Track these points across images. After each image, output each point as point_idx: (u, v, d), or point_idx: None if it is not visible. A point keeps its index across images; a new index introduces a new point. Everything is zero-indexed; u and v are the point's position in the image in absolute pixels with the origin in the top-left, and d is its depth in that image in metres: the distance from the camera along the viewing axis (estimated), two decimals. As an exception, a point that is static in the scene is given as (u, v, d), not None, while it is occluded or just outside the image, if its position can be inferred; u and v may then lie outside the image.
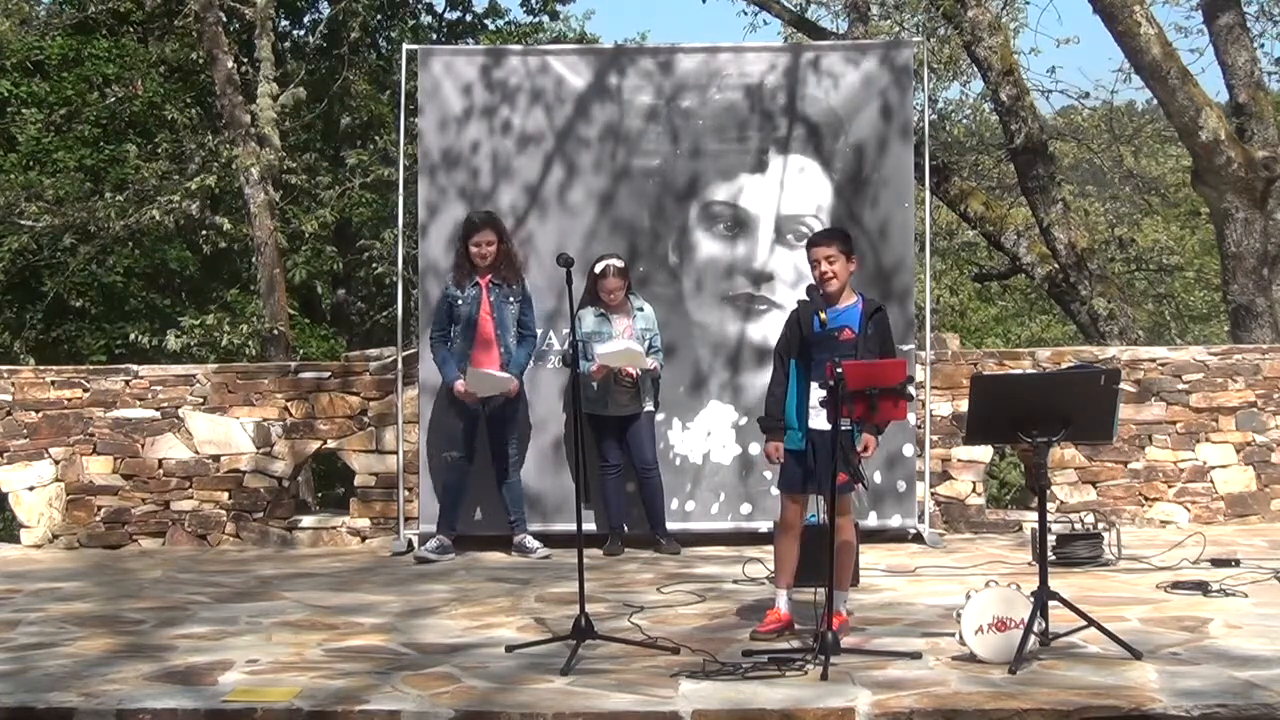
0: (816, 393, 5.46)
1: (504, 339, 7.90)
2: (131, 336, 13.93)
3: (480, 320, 7.89)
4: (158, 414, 8.77)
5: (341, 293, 16.96)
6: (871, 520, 8.19)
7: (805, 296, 5.71)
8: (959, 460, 8.73)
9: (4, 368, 9.46)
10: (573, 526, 6.14)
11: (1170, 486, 8.82)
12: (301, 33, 17.71)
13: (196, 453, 8.75)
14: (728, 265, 8.39)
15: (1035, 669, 4.96)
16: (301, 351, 13.90)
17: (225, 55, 12.18)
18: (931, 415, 8.59)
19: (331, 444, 8.78)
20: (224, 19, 12.53)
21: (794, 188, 8.40)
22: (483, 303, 7.89)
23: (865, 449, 5.53)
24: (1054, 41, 18.27)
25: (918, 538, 8.29)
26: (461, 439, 7.97)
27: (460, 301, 7.89)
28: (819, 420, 5.51)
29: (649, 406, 8.09)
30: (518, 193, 8.37)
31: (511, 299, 7.95)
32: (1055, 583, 5.37)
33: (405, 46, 9.09)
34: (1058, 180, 12.48)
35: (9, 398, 8.82)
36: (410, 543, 8.26)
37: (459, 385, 7.82)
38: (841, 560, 5.53)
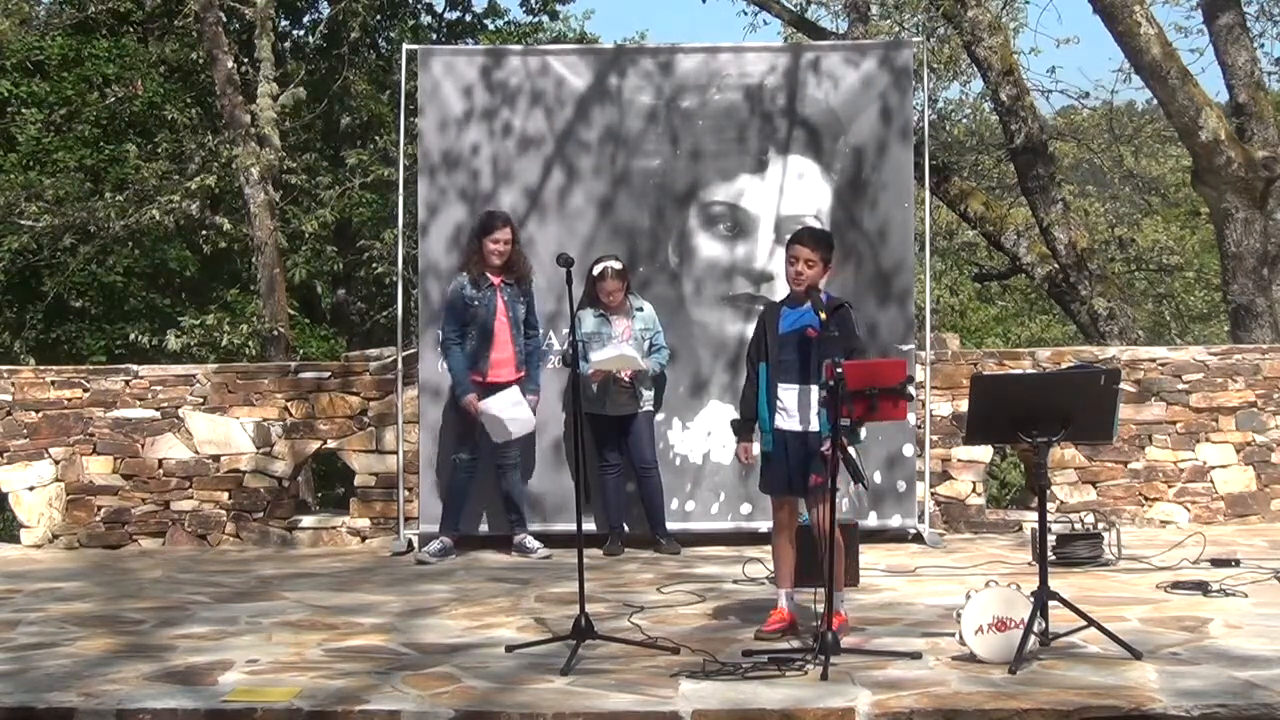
0: (816, 393, 5.46)
1: (517, 339, 7.92)
2: (131, 336, 13.95)
3: (496, 321, 7.88)
4: (158, 414, 8.77)
5: (341, 293, 16.97)
6: (871, 520, 8.19)
7: (788, 297, 5.73)
8: (959, 460, 8.73)
9: (4, 368, 9.46)
10: (573, 526, 6.14)
11: (1170, 486, 8.82)
12: (301, 33, 17.74)
13: (196, 453, 8.75)
14: (728, 266, 8.39)
15: (1035, 669, 4.96)
16: (301, 351, 13.91)
17: (225, 55, 12.19)
18: (931, 415, 8.59)
19: (331, 444, 8.78)
20: (224, 19, 12.55)
21: (794, 189, 8.40)
22: (497, 303, 7.89)
23: (824, 447, 5.45)
24: (1054, 41, 18.32)
25: (918, 538, 8.29)
26: (470, 440, 7.95)
27: (475, 302, 7.87)
28: (785, 421, 5.55)
29: (648, 406, 8.10)
30: (518, 195, 8.37)
31: (521, 298, 7.96)
32: (1055, 583, 5.37)
33: (405, 47, 9.08)
34: (1058, 180, 12.48)
35: (9, 398, 8.82)
36: (410, 543, 8.26)
37: (470, 401, 7.78)
38: (835, 560, 5.52)
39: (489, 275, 7.88)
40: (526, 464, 8.20)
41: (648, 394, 8.10)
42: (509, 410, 7.73)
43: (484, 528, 8.27)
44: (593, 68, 8.49)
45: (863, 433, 5.74)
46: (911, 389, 5.75)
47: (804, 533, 5.81)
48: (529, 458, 8.22)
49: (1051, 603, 5.25)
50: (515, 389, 7.79)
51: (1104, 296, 11.74)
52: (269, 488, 8.73)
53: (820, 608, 5.27)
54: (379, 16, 16.91)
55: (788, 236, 5.89)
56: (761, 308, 8.17)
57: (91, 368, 9.66)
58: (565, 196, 8.38)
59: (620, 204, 8.40)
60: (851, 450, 5.39)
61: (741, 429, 5.77)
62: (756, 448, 5.77)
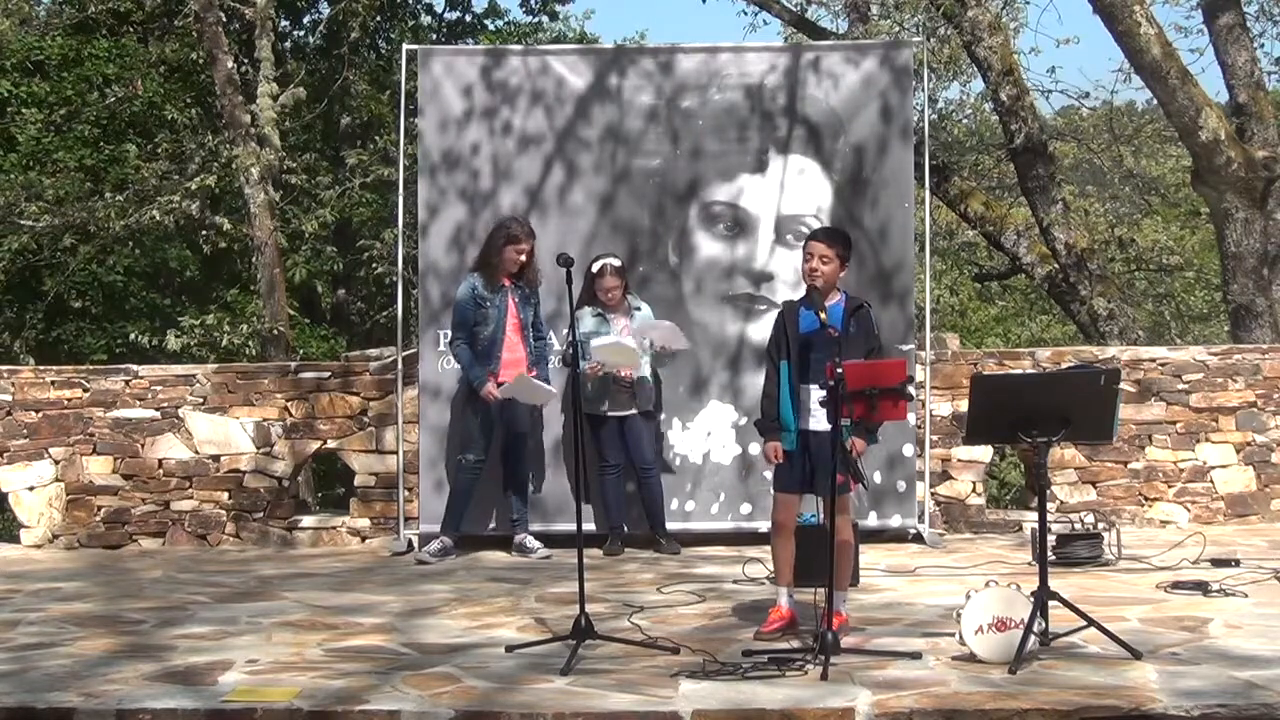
0: (816, 393, 5.46)
1: (528, 341, 7.95)
2: (131, 336, 13.96)
3: (507, 322, 7.88)
4: (158, 414, 8.77)
5: (341, 293, 16.98)
6: (871, 520, 8.19)
7: (805, 296, 5.72)
8: (959, 460, 8.73)
9: (4, 368, 9.46)
10: (573, 526, 6.14)
11: (1170, 486, 8.82)
12: (301, 33, 17.75)
13: (196, 453, 8.75)
14: (728, 266, 8.40)
15: (1035, 669, 4.96)
16: (301, 351, 13.91)
17: (225, 55, 12.19)
18: (931, 415, 8.59)
19: (331, 444, 8.78)
20: (224, 19, 12.55)
21: (794, 188, 8.40)
22: (508, 304, 7.90)
23: (851, 449, 5.50)
24: (1054, 41, 18.23)
25: (918, 538, 8.29)
26: (478, 441, 7.95)
27: (487, 303, 7.88)
28: (813, 421, 5.53)
29: (648, 406, 8.10)
30: (518, 194, 8.37)
31: (531, 300, 7.98)
32: (1055, 583, 5.37)
33: (405, 47, 9.07)
34: (1058, 180, 12.47)
35: (9, 398, 8.82)
36: (410, 543, 8.26)
37: (490, 390, 7.77)
38: (840, 560, 5.53)
39: (501, 279, 7.89)
40: (532, 465, 8.20)
41: (647, 395, 8.10)
42: (530, 396, 7.74)
43: (487, 529, 8.26)
44: (593, 67, 8.50)
45: (880, 436, 5.76)
46: (911, 389, 5.76)
47: (805, 532, 5.81)
48: (534, 458, 8.21)
49: (1051, 603, 5.25)
50: (522, 375, 7.73)
51: (1104, 296, 11.73)
52: (269, 488, 8.73)
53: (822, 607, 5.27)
54: (379, 17, 16.91)
55: (788, 235, 5.89)
56: (763, 306, 8.29)
57: (91, 368, 9.66)
58: (565, 194, 8.38)
59: (620, 202, 8.40)
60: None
61: (768, 429, 5.74)
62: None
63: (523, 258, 7.86)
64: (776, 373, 5.71)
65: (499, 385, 7.78)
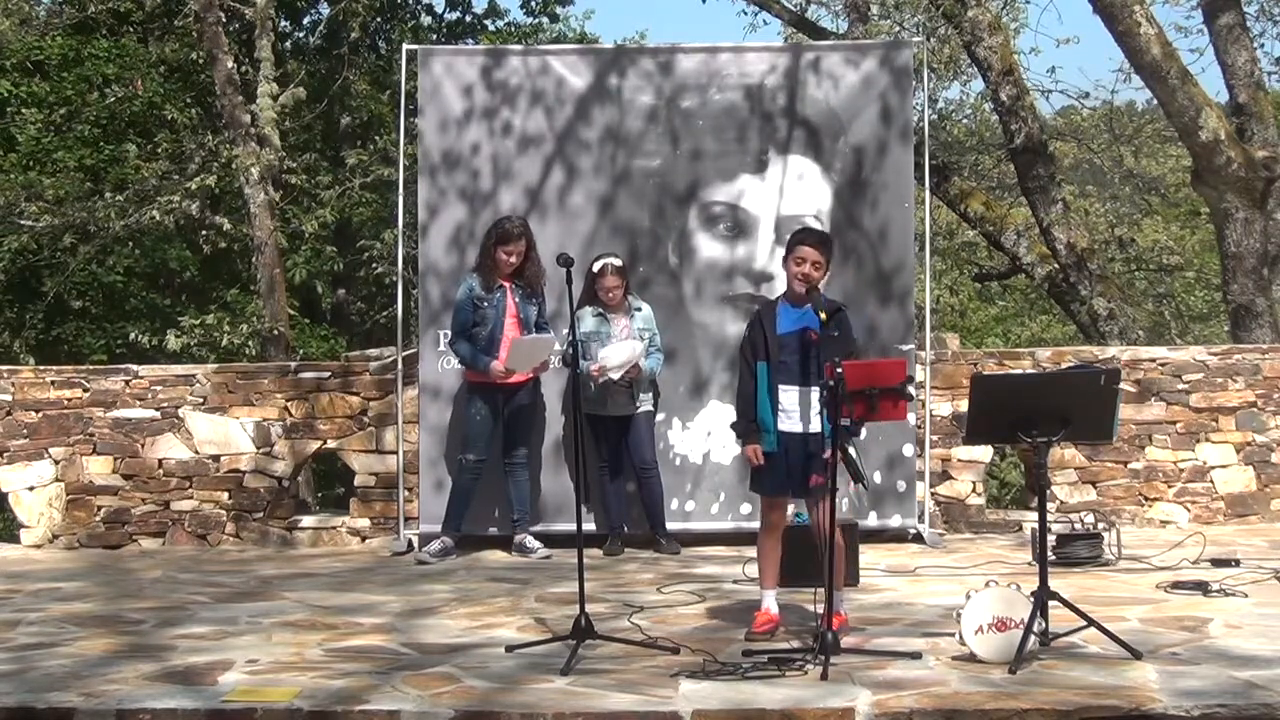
0: (817, 394, 5.46)
1: None
2: (131, 336, 13.97)
3: (505, 321, 7.89)
4: (158, 414, 8.77)
5: (341, 293, 16.98)
6: (871, 520, 8.19)
7: (783, 295, 5.73)
8: (959, 460, 8.73)
9: (4, 368, 9.46)
10: (573, 526, 6.14)
11: (1170, 486, 8.82)
12: (301, 33, 17.76)
13: (196, 453, 8.75)
14: (728, 266, 8.40)
15: (1035, 669, 4.96)
16: (301, 351, 13.91)
17: (225, 55, 12.20)
18: (931, 415, 8.59)
19: (331, 444, 8.78)
20: (224, 19, 12.56)
21: (794, 189, 8.40)
22: (507, 303, 7.90)
23: (828, 453, 5.43)
24: (1054, 41, 18.28)
25: (918, 538, 8.29)
26: (478, 441, 7.95)
27: (485, 303, 7.89)
28: (786, 423, 5.54)
29: (648, 406, 8.10)
30: (518, 195, 8.37)
31: (533, 300, 7.98)
32: (1055, 583, 5.37)
33: (405, 47, 9.07)
34: (1058, 180, 12.48)
35: (9, 398, 8.82)
36: (410, 543, 8.26)
37: (496, 365, 7.79)
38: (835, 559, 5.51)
39: (499, 279, 7.89)
40: (532, 465, 8.20)
41: (646, 394, 8.10)
42: (533, 356, 7.77)
43: (487, 529, 8.26)
44: (593, 68, 8.50)
45: (863, 432, 5.74)
46: (911, 389, 5.75)
47: (797, 533, 5.81)
48: (534, 458, 8.22)
49: (1051, 603, 5.25)
50: (516, 341, 7.76)
51: (1104, 296, 11.73)
52: (269, 488, 8.73)
53: (820, 607, 5.26)
54: (379, 17, 16.92)
55: (788, 236, 5.87)
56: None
57: (91, 368, 9.66)
58: (565, 195, 8.38)
59: (620, 203, 8.40)
60: (851, 450, 5.38)
61: (747, 431, 5.73)
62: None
63: (513, 259, 7.85)
64: (753, 374, 5.69)
65: (493, 391, 7.83)
